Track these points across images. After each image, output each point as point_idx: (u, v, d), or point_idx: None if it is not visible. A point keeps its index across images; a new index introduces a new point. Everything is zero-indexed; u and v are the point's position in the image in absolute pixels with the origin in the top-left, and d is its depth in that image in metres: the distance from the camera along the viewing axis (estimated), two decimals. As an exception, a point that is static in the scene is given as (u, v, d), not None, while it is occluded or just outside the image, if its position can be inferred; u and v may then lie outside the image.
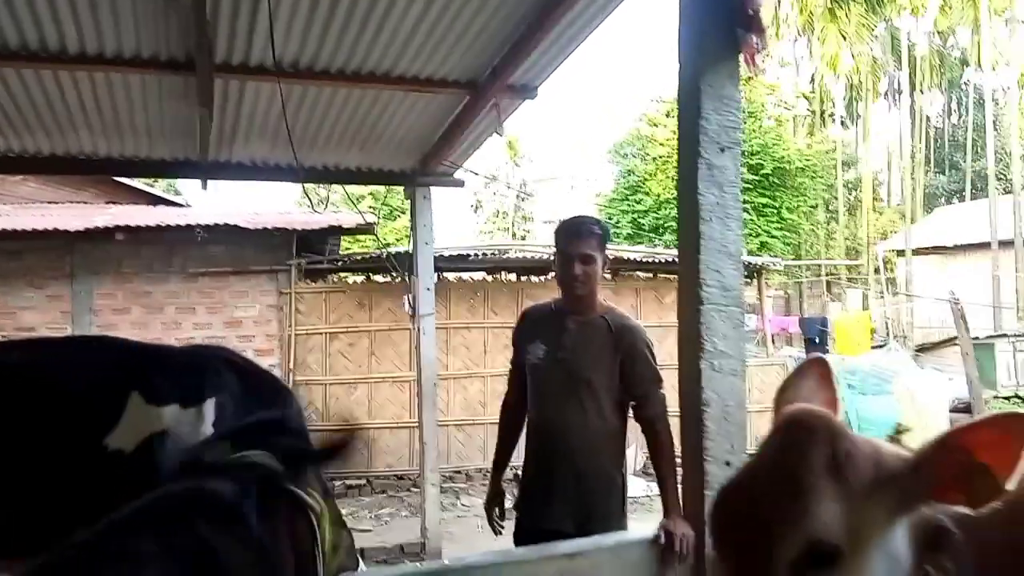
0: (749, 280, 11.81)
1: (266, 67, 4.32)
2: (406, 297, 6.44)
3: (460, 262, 9.69)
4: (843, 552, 1.06)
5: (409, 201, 6.29)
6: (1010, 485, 1.07)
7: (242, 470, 1.49)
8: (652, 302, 9.97)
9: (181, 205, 12.34)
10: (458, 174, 6.42)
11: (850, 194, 33.78)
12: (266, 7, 3.67)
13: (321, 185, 10.58)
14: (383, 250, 7.33)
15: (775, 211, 22.44)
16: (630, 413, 3.00)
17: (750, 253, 20.64)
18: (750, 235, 21.94)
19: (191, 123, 5.00)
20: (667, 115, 24.72)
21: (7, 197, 11.07)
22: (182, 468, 1.54)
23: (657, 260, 10.51)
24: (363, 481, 9.14)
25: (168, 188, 12.59)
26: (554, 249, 3.10)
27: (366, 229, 8.20)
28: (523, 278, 10.87)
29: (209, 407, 3.03)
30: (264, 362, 8.94)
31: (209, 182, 6.29)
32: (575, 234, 2.92)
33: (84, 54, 4.00)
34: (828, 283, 28.41)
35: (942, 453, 1.10)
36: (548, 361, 2.92)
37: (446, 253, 9.25)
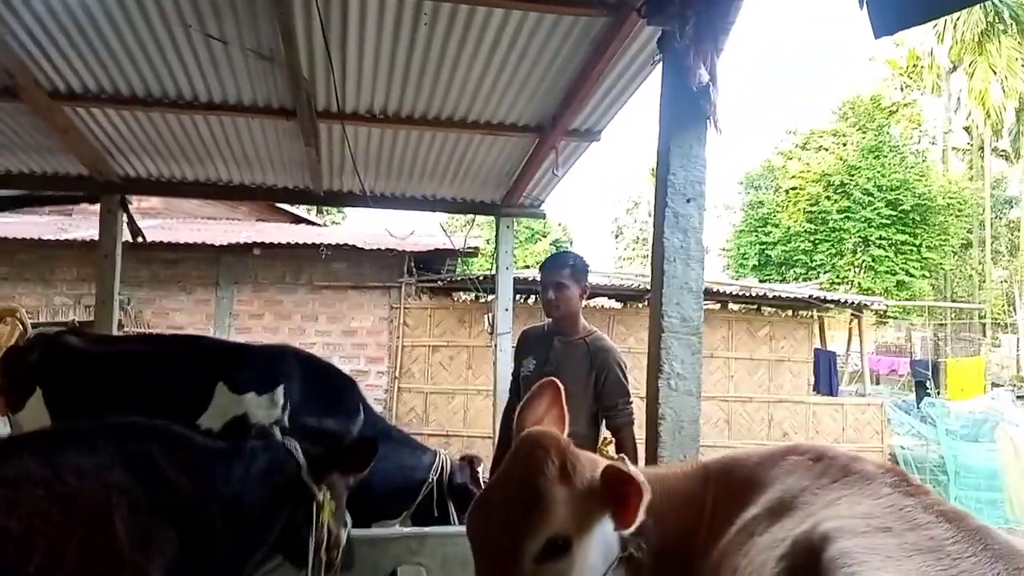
0: (856, 315, 11.58)
1: (360, 114, 5.13)
2: (486, 316, 7.04)
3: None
4: (573, 542, 1.38)
5: (495, 229, 6.90)
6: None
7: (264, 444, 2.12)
8: (744, 333, 10.07)
9: (320, 225, 13.62)
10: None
11: (1013, 234, 31.33)
12: (355, 66, 4.44)
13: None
14: (466, 274, 8.00)
15: (915, 249, 21.35)
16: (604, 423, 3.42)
17: (885, 291, 19.74)
18: (887, 273, 21.00)
19: (304, 158, 5.86)
20: (802, 147, 24.18)
21: (174, 213, 12.69)
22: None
23: (753, 294, 10.56)
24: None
25: (310, 211, 13.86)
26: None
27: (472, 252, 8.92)
28: (625, 304, 11.14)
29: (279, 393, 3.89)
30: (374, 369, 9.89)
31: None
32: (549, 266, 3.42)
33: (212, 102, 4.93)
34: (983, 327, 26.50)
35: (604, 480, 1.40)
36: (536, 374, 3.40)
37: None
